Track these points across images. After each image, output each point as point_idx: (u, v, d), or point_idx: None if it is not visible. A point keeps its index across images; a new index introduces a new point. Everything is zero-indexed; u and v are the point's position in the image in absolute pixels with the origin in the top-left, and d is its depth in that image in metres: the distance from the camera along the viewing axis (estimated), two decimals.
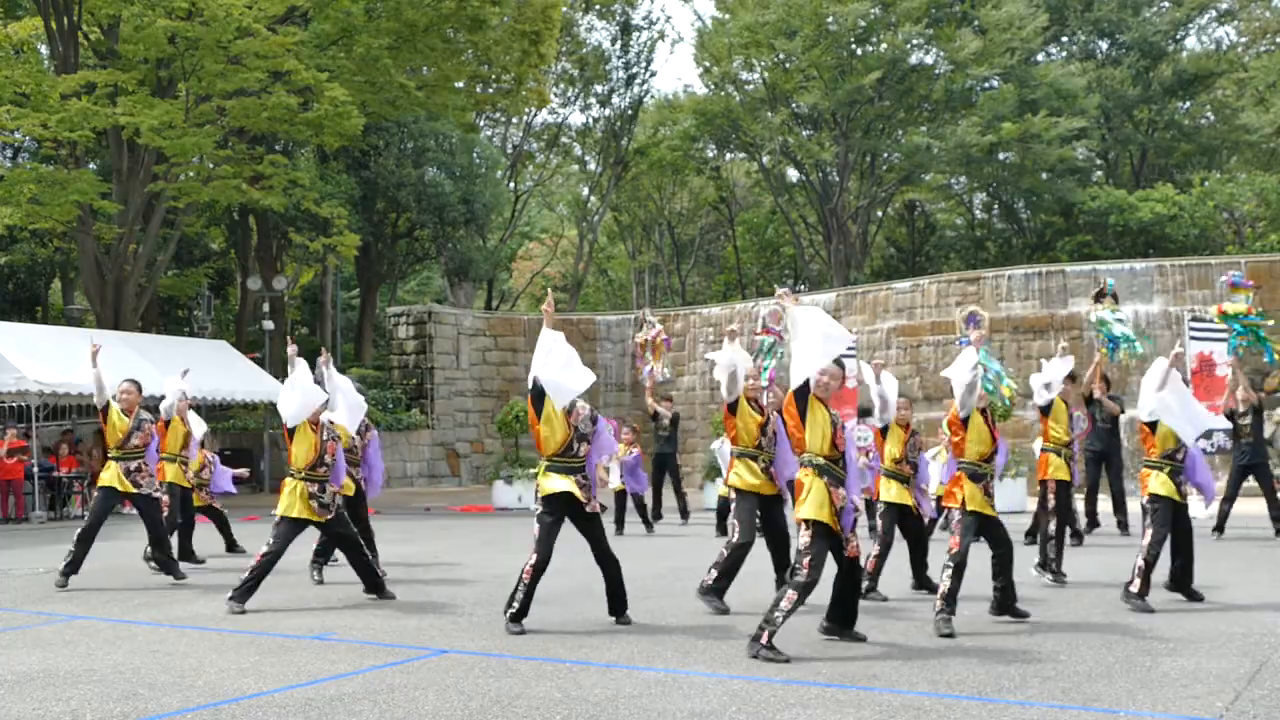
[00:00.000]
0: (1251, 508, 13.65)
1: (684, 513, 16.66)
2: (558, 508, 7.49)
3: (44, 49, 29.22)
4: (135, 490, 10.20)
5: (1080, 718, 5.14)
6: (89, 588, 10.17)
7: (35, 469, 20.42)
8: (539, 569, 7.44)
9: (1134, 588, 8.01)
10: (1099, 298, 15.88)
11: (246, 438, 27.94)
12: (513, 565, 11.43)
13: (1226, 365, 13.90)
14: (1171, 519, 8.14)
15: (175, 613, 8.66)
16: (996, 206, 46.49)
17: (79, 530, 10.11)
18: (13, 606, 9.20)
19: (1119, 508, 13.76)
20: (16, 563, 12.63)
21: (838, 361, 6.80)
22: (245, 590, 8.51)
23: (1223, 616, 7.73)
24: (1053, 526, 9.31)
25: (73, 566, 10.06)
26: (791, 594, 6.45)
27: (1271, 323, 16.73)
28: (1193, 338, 18.58)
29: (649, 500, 16.06)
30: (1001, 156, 38.88)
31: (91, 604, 9.21)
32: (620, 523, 15.10)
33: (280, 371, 29.68)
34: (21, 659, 6.82)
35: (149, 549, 11.12)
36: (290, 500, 8.69)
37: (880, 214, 44.28)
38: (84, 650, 7.08)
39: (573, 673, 6.16)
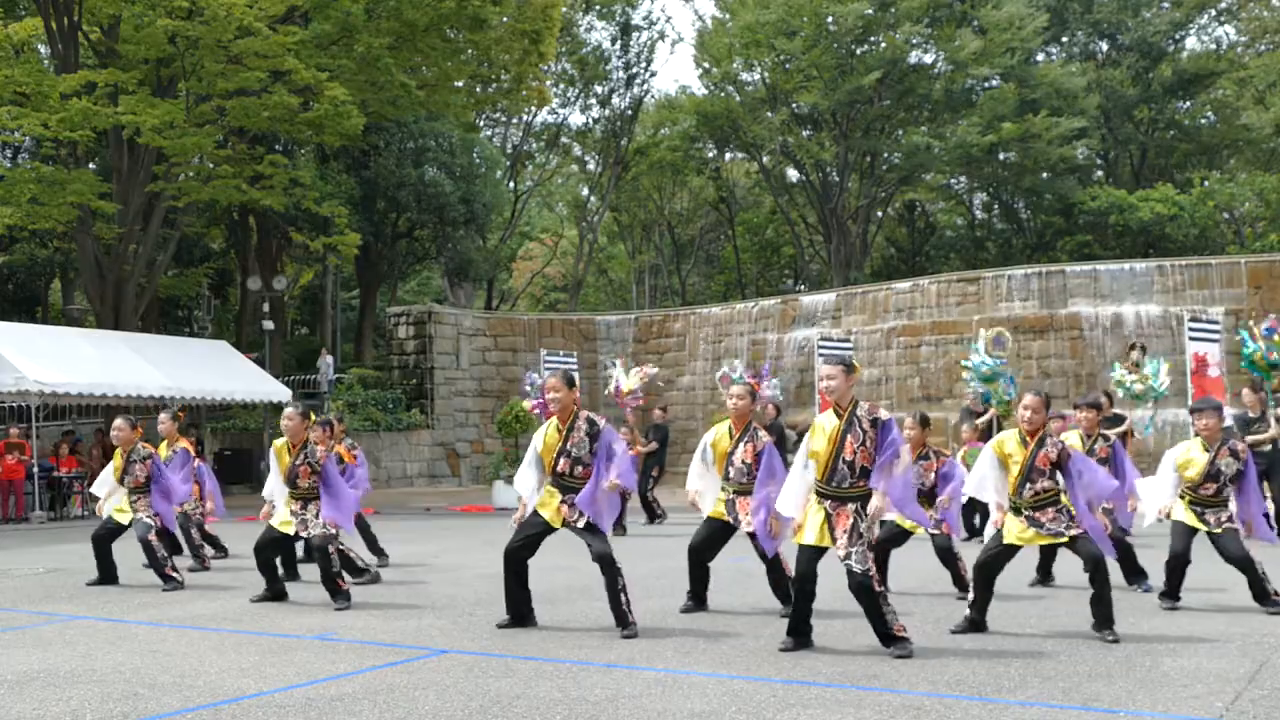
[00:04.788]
0: None
1: (650, 514, 16.72)
2: (538, 519, 7.63)
3: (44, 49, 29.22)
4: (133, 517, 10.25)
5: (1080, 718, 5.14)
6: (89, 588, 10.19)
7: (35, 469, 20.42)
8: (503, 560, 7.67)
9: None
10: (1135, 366, 16.13)
11: (246, 438, 27.94)
12: None
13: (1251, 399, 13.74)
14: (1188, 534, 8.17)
15: (175, 613, 8.66)
16: (996, 206, 46.50)
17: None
18: (13, 606, 9.20)
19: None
20: (16, 563, 12.63)
21: (843, 362, 6.85)
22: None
23: (1223, 616, 7.74)
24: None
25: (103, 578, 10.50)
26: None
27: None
28: (1191, 338, 18.60)
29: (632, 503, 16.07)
30: (1001, 156, 38.91)
31: (91, 604, 9.21)
32: (621, 525, 15.08)
33: (280, 371, 29.80)
34: (21, 659, 6.82)
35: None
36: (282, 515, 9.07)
37: (880, 214, 44.29)
38: (84, 650, 7.07)
39: (573, 673, 6.16)
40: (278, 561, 9.33)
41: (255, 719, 5.29)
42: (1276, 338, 15.61)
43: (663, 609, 8.30)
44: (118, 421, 10.46)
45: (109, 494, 10.39)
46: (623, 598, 7.32)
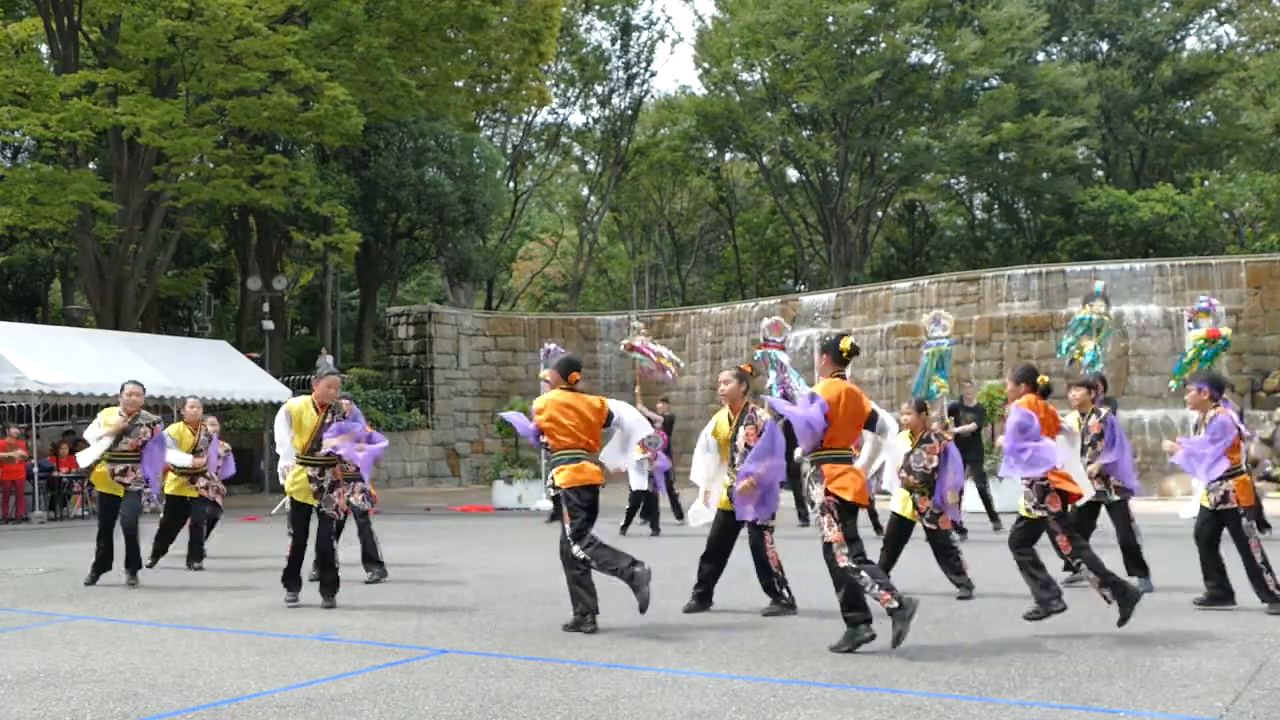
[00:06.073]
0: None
1: (678, 513, 16.69)
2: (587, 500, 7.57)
3: (44, 49, 29.23)
4: (124, 489, 10.19)
5: (1080, 718, 5.14)
6: (89, 588, 10.18)
7: (35, 469, 20.43)
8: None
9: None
10: (1088, 300, 16.83)
11: (247, 438, 27.92)
12: (513, 565, 11.46)
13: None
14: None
15: (175, 613, 8.66)
16: (996, 206, 46.50)
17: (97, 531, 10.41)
18: (13, 606, 9.20)
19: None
20: (16, 563, 12.63)
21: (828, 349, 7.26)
22: (289, 577, 8.79)
23: (1223, 616, 7.73)
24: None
25: (100, 565, 10.37)
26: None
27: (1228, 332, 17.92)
28: None
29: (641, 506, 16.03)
30: (1001, 156, 38.90)
31: (91, 604, 9.21)
32: (627, 524, 15.08)
33: (280, 372, 29.79)
34: (21, 659, 6.82)
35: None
36: (295, 485, 8.59)
37: (880, 214, 44.29)
38: (84, 650, 7.08)
39: (573, 673, 6.16)
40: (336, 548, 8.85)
41: (255, 719, 5.29)
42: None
43: (663, 609, 8.29)
44: (132, 385, 10.45)
45: (99, 439, 10.21)
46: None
